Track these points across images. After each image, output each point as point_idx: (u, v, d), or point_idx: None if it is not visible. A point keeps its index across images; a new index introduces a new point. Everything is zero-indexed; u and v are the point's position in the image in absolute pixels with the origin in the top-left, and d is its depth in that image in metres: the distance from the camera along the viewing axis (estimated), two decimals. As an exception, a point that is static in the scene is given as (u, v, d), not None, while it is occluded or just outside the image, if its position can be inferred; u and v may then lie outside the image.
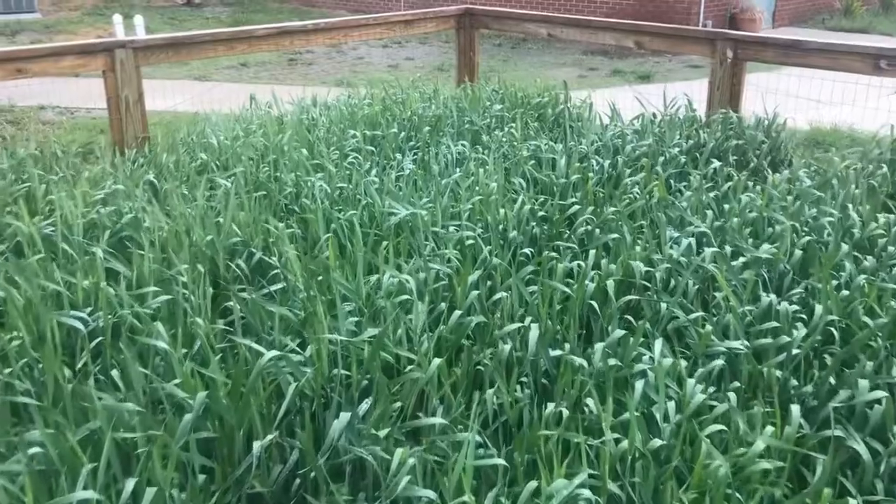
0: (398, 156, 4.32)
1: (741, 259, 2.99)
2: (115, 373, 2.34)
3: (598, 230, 3.29)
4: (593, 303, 2.66)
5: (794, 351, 2.42)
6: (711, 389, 2.35)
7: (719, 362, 2.40)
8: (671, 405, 2.18)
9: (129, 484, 1.86)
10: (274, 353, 2.22)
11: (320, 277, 2.72)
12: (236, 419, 2.06)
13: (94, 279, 2.76)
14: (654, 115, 4.92)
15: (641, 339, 2.46)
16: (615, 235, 3.14)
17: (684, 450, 2.07)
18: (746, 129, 4.74)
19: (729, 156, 4.33)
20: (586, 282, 2.76)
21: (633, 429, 2.01)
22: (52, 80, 9.55)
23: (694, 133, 4.63)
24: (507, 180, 3.86)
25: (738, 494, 1.95)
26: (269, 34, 5.60)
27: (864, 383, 2.24)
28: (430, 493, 1.92)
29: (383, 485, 1.96)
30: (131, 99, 5.06)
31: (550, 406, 2.19)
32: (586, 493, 1.88)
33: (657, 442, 2.02)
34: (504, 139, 4.52)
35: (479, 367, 2.41)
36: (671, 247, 3.11)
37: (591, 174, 3.90)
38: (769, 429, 2.10)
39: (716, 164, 4.06)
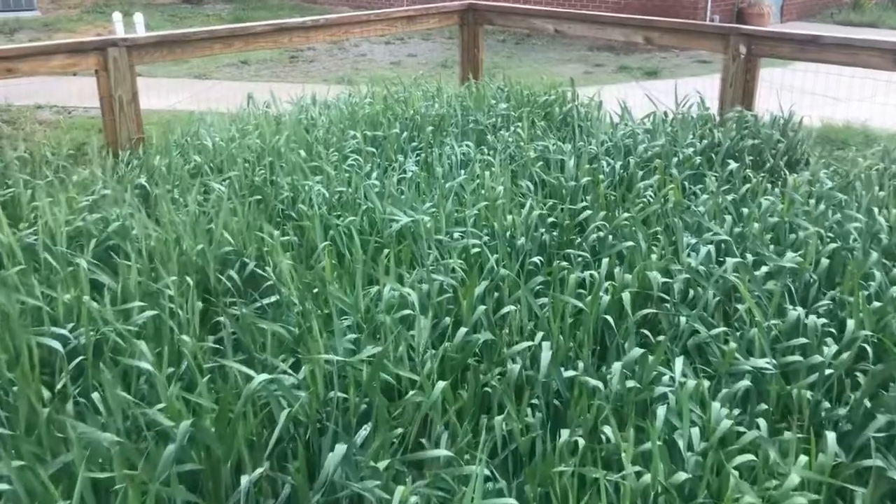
0: (400, 157, 4.15)
1: (764, 268, 2.81)
2: (96, 395, 2.18)
3: (610, 237, 3.11)
4: (608, 317, 2.49)
5: (827, 371, 2.25)
6: (736, 412, 2.18)
7: (745, 383, 2.23)
8: (695, 431, 2.01)
9: (104, 526, 1.70)
10: (264, 376, 2.06)
11: (316, 290, 2.56)
12: (223, 450, 1.89)
13: (77, 293, 2.60)
14: (666, 113, 4.74)
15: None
16: (629, 243, 2.97)
17: (710, 482, 1.90)
18: (762, 127, 4.56)
19: (745, 156, 4.15)
20: (600, 293, 2.59)
21: (655, 461, 1.83)
22: (49, 79, 9.40)
23: (708, 132, 4.46)
24: (513, 183, 3.69)
25: (771, 534, 1.79)
26: (267, 31, 5.43)
27: (904, 407, 2.07)
28: (434, 534, 1.76)
29: (383, 524, 1.80)
30: (125, 99, 4.90)
31: (565, 433, 2.02)
32: (605, 534, 1.71)
33: (681, 475, 1.85)
34: (510, 139, 4.34)
35: (486, 388, 2.24)
36: (689, 255, 2.94)
37: (601, 176, 3.72)
38: (803, 459, 1.92)
39: (732, 165, 3.88)
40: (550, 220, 3.24)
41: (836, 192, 3.50)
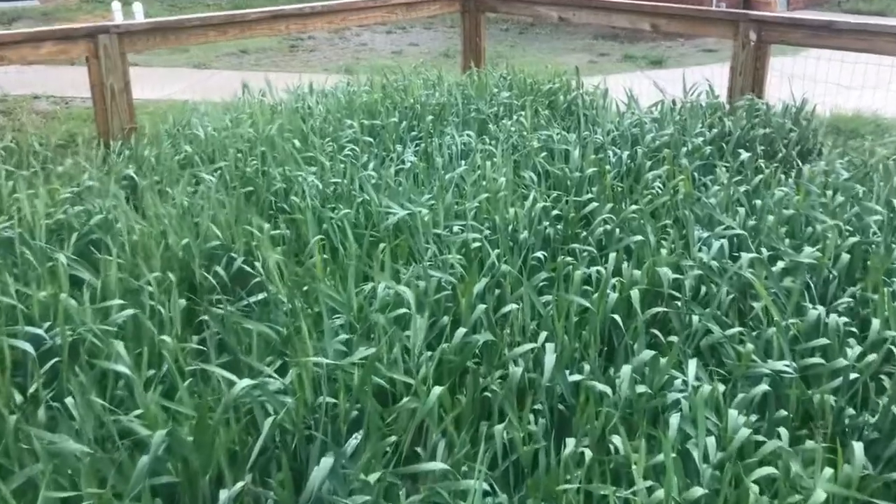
0: (399, 147, 4.00)
1: (780, 264, 2.66)
2: (70, 400, 2.04)
3: (618, 230, 2.96)
4: (616, 316, 2.34)
5: (851, 375, 2.10)
6: (754, 418, 2.03)
7: (763, 387, 2.08)
8: (710, 441, 1.86)
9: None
10: (247, 381, 1.91)
11: (307, 287, 2.42)
12: (200, 461, 1.75)
13: (55, 290, 2.45)
14: (674, 101, 4.58)
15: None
16: (638, 237, 2.81)
17: (728, 497, 1.76)
18: (773, 116, 4.40)
19: (756, 146, 3.99)
20: (607, 291, 2.44)
21: (669, 475, 1.69)
22: (48, 69, 9.27)
23: (718, 121, 4.30)
24: (516, 174, 3.53)
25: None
26: (262, 18, 5.27)
27: (935, 415, 1.92)
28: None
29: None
30: (116, 87, 4.75)
31: (570, 442, 1.88)
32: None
33: (697, 491, 1.70)
34: (513, 129, 4.19)
35: (486, 392, 2.09)
36: (700, 249, 2.79)
37: (608, 167, 3.57)
38: (828, 471, 1.78)
39: (744, 154, 3.72)
40: (555, 212, 3.09)
41: (853, 183, 3.34)
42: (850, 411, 2.06)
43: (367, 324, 2.28)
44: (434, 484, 1.76)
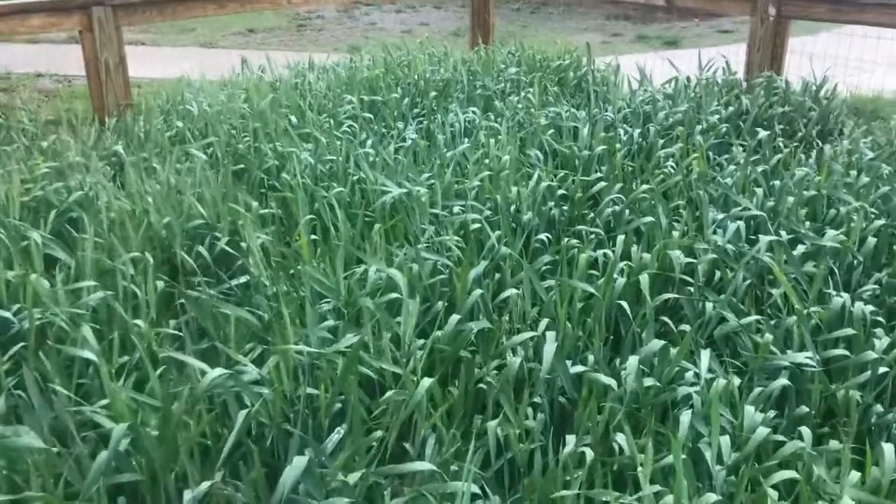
0: (400, 124, 3.83)
1: (800, 247, 2.48)
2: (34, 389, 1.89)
3: (627, 211, 2.79)
4: (623, 303, 2.17)
5: (880, 369, 1.93)
6: (771, 415, 1.86)
7: (782, 381, 1.91)
8: (724, 441, 1.70)
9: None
10: (219, 371, 1.76)
11: (292, 271, 2.26)
12: (162, 458, 1.60)
13: (27, 270, 2.31)
14: (689, 78, 4.38)
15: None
16: (648, 218, 2.64)
17: (744, 503, 1.60)
18: (792, 94, 4.20)
19: (775, 124, 3.80)
20: (615, 275, 2.27)
21: (678, 479, 1.53)
22: (52, 47, 9.14)
23: (734, 99, 4.10)
24: (521, 152, 3.36)
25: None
26: (262, -10, 5.10)
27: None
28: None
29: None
30: (112, 62, 4.59)
31: (570, 441, 1.72)
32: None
33: (710, 497, 1.54)
34: (520, 105, 4.01)
35: (481, 384, 1.93)
36: (715, 232, 2.61)
37: (618, 145, 3.39)
38: (854, 475, 1.61)
39: (762, 133, 3.53)
40: (561, 192, 2.91)
41: (880, 162, 3.15)
42: (878, 408, 1.89)
43: (356, 309, 2.12)
44: (420, 486, 1.60)
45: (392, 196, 2.72)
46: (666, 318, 2.23)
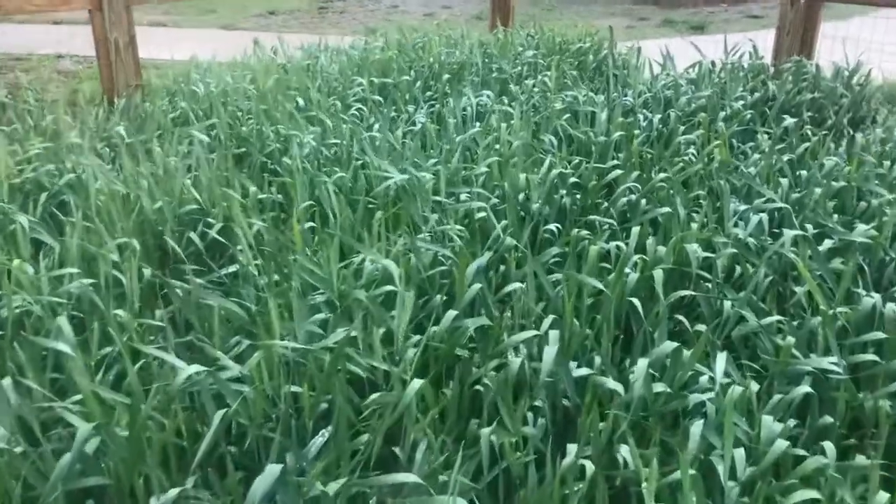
0: (411, 108, 3.69)
1: (828, 242, 2.32)
2: (7, 382, 1.79)
3: (643, 201, 2.64)
4: (634, 300, 2.02)
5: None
6: (792, 424, 1.72)
7: (804, 388, 1.76)
8: (739, 454, 1.55)
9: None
10: (196, 367, 1.64)
11: (283, 260, 2.14)
12: (128, 461, 1.49)
13: (7, 256, 2.21)
14: (714, 63, 4.20)
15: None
16: (665, 209, 2.49)
17: (759, 525, 1.46)
18: (822, 80, 4.01)
19: (803, 111, 3.62)
20: (626, 270, 2.13)
21: (686, 497, 1.39)
22: (75, 28, 9.09)
23: (761, 85, 3.92)
24: (535, 137, 3.21)
25: None
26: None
27: None
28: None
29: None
30: (121, 42, 4.49)
31: (572, 450, 1.58)
32: None
33: (721, 518, 1.40)
34: (536, 89, 3.85)
35: (478, 386, 1.80)
36: (736, 224, 2.46)
37: (636, 131, 3.23)
38: (882, 496, 1.47)
39: (788, 120, 3.35)
40: (573, 180, 2.76)
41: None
42: (909, 420, 1.74)
43: (349, 302, 2.00)
44: (406, 498, 1.48)
45: (393, 182, 2.59)
46: (681, 317, 2.08)
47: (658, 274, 2.10)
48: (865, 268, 2.23)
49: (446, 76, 4.03)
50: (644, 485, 1.45)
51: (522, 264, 2.21)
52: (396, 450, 1.69)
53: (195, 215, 2.50)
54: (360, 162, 2.89)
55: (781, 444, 1.56)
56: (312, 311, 2.01)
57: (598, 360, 1.84)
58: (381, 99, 3.72)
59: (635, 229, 2.39)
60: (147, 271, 2.18)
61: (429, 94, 3.95)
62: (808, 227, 2.40)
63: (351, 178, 2.74)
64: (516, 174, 2.69)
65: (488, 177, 2.75)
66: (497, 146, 3.01)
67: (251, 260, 2.11)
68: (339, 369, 1.75)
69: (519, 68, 4.29)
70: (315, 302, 2.05)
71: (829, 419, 1.73)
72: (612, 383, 1.72)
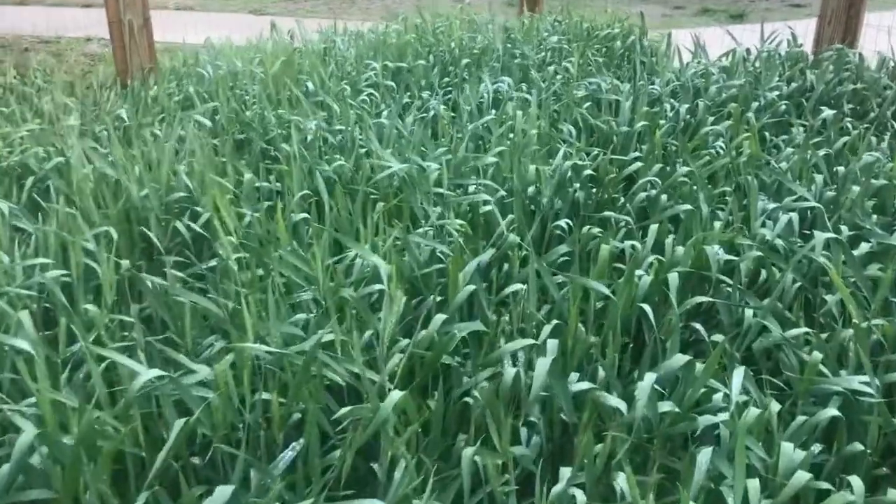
0: (426, 94, 3.52)
1: (864, 246, 2.12)
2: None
3: (664, 196, 2.45)
4: (645, 306, 1.84)
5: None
6: (816, 450, 1.54)
7: (831, 411, 1.57)
8: (753, 485, 1.37)
9: None
10: (155, 371, 1.50)
11: (265, 253, 1.99)
12: (64, 480, 1.35)
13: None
14: (748, 50, 3.97)
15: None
16: (686, 206, 2.30)
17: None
18: (866, 70, 3.77)
19: (843, 103, 3.39)
20: (640, 272, 1.95)
21: (688, 538, 1.22)
22: (103, 12, 9.05)
23: (798, 74, 3.69)
24: (553, 126, 3.03)
25: None
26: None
27: None
28: None
29: None
30: (136, 24, 4.39)
31: (565, 474, 1.42)
32: None
33: (728, 563, 1.23)
34: (558, 76, 3.66)
35: (467, 398, 1.64)
36: (763, 224, 2.26)
37: (662, 121, 3.03)
38: (918, 542, 1.28)
39: (827, 112, 3.13)
40: (586, 172, 2.57)
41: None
42: (950, 450, 1.55)
43: (334, 302, 1.84)
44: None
45: (392, 172, 2.43)
46: (697, 325, 1.90)
47: (673, 278, 1.92)
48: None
49: (465, 61, 3.85)
50: (641, 520, 1.28)
51: (528, 263, 2.04)
52: (376, 466, 1.54)
53: (184, 203, 2.36)
54: (364, 150, 2.73)
55: (803, 477, 1.38)
56: (296, 310, 1.86)
57: (601, 374, 1.67)
58: (393, 84, 3.55)
59: (653, 227, 2.21)
60: (126, 262, 2.05)
61: (446, 80, 3.78)
62: (843, 228, 2.20)
63: (353, 167, 2.58)
64: (526, 165, 2.52)
65: (498, 168, 2.57)
66: (511, 135, 2.83)
67: (230, 254, 1.96)
68: (314, 375, 1.60)
69: (543, 54, 4.10)
70: (301, 300, 1.90)
71: (858, 446, 1.54)
72: (613, 400, 1.54)
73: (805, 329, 1.81)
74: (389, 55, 3.93)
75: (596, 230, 2.19)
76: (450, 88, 3.64)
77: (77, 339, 1.81)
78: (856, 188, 2.42)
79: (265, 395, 1.56)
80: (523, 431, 1.60)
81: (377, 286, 1.86)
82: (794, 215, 2.24)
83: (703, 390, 1.60)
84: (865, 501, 1.39)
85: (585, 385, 1.60)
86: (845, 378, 1.65)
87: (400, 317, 1.80)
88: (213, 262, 2.05)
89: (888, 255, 2.07)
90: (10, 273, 1.99)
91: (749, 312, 1.86)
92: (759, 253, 2.06)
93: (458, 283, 1.80)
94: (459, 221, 2.16)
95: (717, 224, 2.24)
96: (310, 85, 3.44)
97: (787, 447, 1.45)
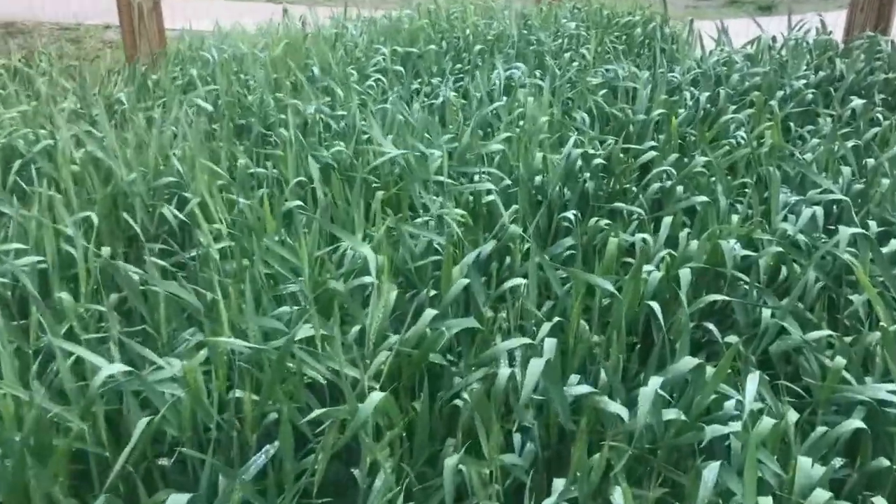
0: (437, 80, 3.40)
1: (893, 243, 1.97)
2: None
3: (680, 188, 2.31)
4: (654, 304, 1.71)
5: None
6: (837, 464, 1.40)
7: (855, 422, 1.44)
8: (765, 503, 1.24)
9: None
10: (118, 367, 1.40)
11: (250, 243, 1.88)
12: (12, 476, 1.25)
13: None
14: (774, 38, 3.80)
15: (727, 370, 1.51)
16: (702, 198, 2.16)
17: None
18: (898, 59, 3.59)
19: (874, 93, 3.22)
20: (650, 267, 1.82)
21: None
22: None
23: (827, 63, 3.52)
24: (565, 114, 2.90)
25: None
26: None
27: None
28: None
29: None
30: (145, 8, 4.31)
31: (558, 487, 1.29)
32: None
33: None
34: (575, 63, 3.52)
35: (457, 401, 1.52)
36: (785, 218, 2.12)
37: (681, 110, 2.89)
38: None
39: (856, 102, 2.97)
40: (596, 161, 2.43)
41: None
42: None
43: (319, 294, 1.73)
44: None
45: (392, 158, 2.31)
46: (710, 325, 1.76)
47: (684, 273, 1.78)
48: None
49: (478, 47, 3.72)
50: (639, 543, 1.15)
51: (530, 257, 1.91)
52: (356, 472, 1.43)
53: (174, 189, 2.26)
54: (367, 136, 2.61)
55: (822, 495, 1.25)
56: (281, 303, 1.75)
57: (603, 377, 1.54)
58: (402, 70, 3.43)
59: (667, 219, 2.07)
60: (106, 250, 1.95)
61: (458, 66, 3.65)
62: (872, 223, 2.05)
63: (352, 154, 2.47)
64: (533, 153, 2.39)
65: (505, 156, 2.44)
66: (521, 123, 2.70)
67: (211, 242, 1.85)
68: (294, 373, 1.49)
69: (560, 41, 3.95)
70: (287, 292, 1.79)
71: (884, 462, 1.41)
72: (614, 406, 1.41)
73: (827, 332, 1.67)
74: (400, 40, 3.81)
75: (605, 222, 2.06)
76: (461, 75, 3.51)
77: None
78: (886, 181, 2.27)
79: (238, 394, 1.45)
80: (517, 438, 1.48)
81: (367, 278, 1.74)
82: (819, 209, 2.09)
83: (713, 396, 1.47)
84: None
85: (584, 389, 1.47)
86: (871, 386, 1.51)
87: (391, 311, 1.68)
88: (197, 252, 1.94)
89: (919, 253, 1.92)
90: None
91: (767, 312, 1.72)
92: (780, 248, 1.92)
93: (451, 276, 1.67)
94: (459, 211, 2.03)
95: (735, 217, 2.10)
96: (316, 70, 3.33)
97: (804, 461, 1.31)
